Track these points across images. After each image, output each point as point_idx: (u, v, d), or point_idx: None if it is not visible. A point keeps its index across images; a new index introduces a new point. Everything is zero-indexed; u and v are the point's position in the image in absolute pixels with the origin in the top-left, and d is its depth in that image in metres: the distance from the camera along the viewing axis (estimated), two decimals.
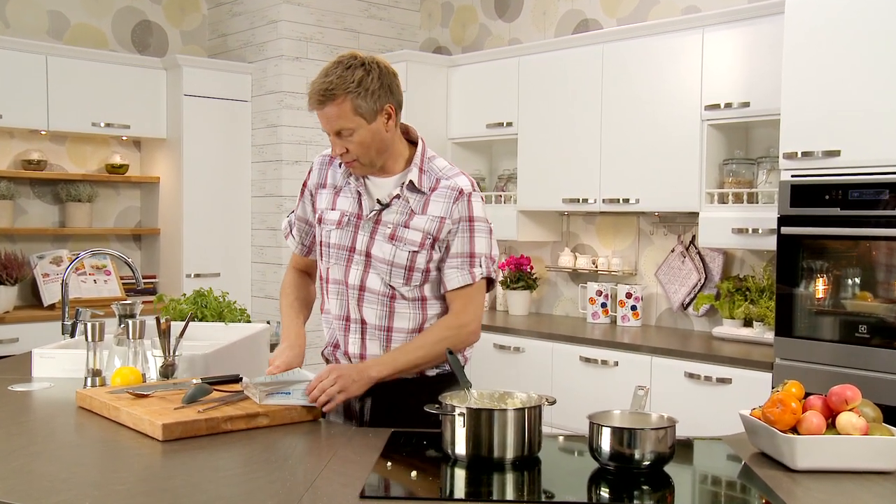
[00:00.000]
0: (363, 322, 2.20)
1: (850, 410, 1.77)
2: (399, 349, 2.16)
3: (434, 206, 2.16)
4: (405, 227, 2.15)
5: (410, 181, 2.17)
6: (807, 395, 1.85)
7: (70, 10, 5.05)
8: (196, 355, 2.44)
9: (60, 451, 1.84)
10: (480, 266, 2.18)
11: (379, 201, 2.18)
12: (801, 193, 3.23)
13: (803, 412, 1.78)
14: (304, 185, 2.34)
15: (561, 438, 2.07)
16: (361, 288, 2.18)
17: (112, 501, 1.50)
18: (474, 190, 2.20)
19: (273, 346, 2.59)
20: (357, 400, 2.19)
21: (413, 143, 2.25)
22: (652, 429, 1.68)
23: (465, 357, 2.26)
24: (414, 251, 2.15)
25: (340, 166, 2.25)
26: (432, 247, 2.16)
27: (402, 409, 2.13)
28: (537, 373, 4.17)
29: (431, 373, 2.22)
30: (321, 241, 2.25)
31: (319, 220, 2.26)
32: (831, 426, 1.77)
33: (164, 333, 2.31)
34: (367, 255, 2.17)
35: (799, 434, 1.74)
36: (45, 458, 1.76)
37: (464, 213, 2.16)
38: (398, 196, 2.17)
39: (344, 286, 2.20)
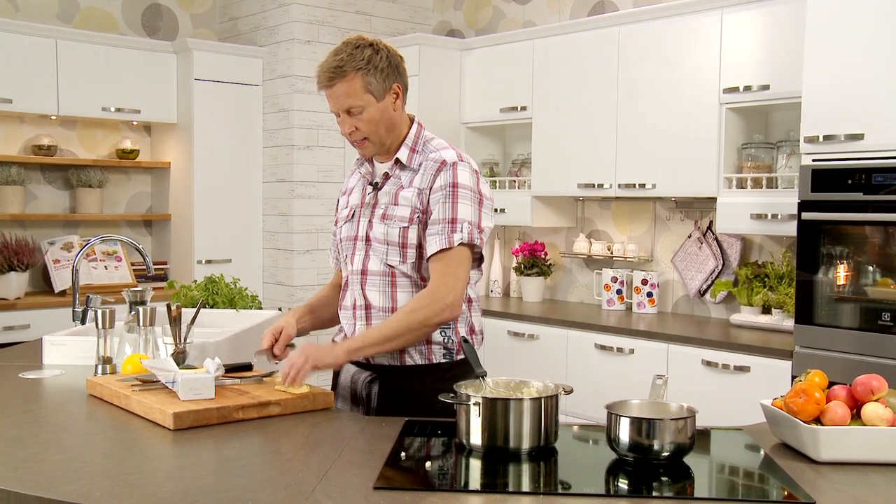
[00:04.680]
0: (368, 306, 2.20)
1: (875, 401, 1.73)
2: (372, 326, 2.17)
3: (418, 179, 2.16)
4: (394, 204, 2.17)
5: (397, 159, 2.19)
6: (830, 384, 1.81)
7: None
8: (207, 342, 2.43)
9: (71, 439, 1.82)
10: (461, 232, 2.10)
11: (371, 183, 2.22)
12: (823, 178, 3.17)
13: (827, 402, 1.74)
14: (338, 201, 2.39)
15: (576, 427, 2.04)
16: (363, 272, 2.19)
17: (123, 491, 1.48)
18: (461, 161, 2.16)
19: None
20: (364, 387, 2.19)
21: None
22: (671, 419, 1.65)
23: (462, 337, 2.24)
24: (404, 227, 2.14)
25: (358, 162, 2.28)
26: (423, 223, 2.14)
27: (409, 396, 2.13)
28: (552, 360, 4.14)
29: (439, 359, 2.18)
30: (338, 240, 2.30)
31: (336, 222, 2.32)
32: (856, 417, 1.73)
33: (175, 320, 2.29)
34: (367, 239, 2.19)
35: (823, 425, 1.70)
36: (56, 446, 1.74)
37: (447, 181, 2.12)
38: (388, 176, 2.20)
39: (352, 274, 2.23)
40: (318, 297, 2.42)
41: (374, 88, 2.10)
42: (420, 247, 2.15)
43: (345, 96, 2.10)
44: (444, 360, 2.19)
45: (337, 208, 2.39)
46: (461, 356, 2.19)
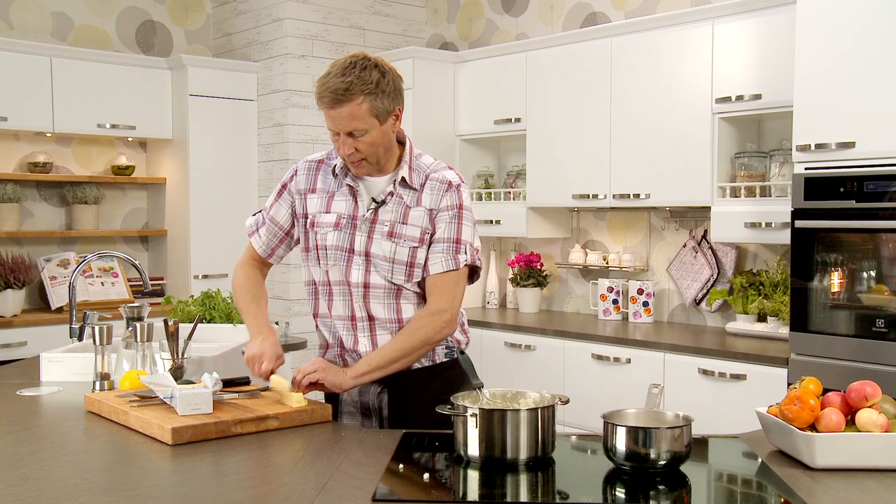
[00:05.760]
0: (371, 318, 2.20)
1: (870, 407, 1.74)
2: (378, 348, 2.18)
3: (425, 199, 2.19)
4: (403, 223, 2.17)
5: (402, 178, 2.19)
6: (825, 391, 1.82)
7: (74, 11, 5.04)
8: (205, 357, 2.43)
9: (70, 456, 1.82)
10: (465, 253, 2.18)
11: (374, 199, 2.20)
12: (816, 186, 3.19)
13: (822, 409, 1.75)
14: (284, 186, 2.31)
15: (574, 438, 2.04)
16: (366, 286, 2.19)
17: None
18: (462, 182, 2.24)
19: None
20: (375, 399, 2.21)
21: (401, 142, 2.26)
22: (668, 428, 1.65)
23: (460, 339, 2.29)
24: (414, 247, 2.16)
25: (334, 171, 2.24)
26: (431, 243, 2.18)
27: (419, 400, 2.15)
28: (549, 371, 4.15)
29: (441, 359, 2.24)
30: (316, 245, 2.24)
31: (312, 225, 2.25)
32: (851, 423, 1.74)
33: (172, 336, 2.29)
34: (367, 254, 2.18)
35: (818, 431, 1.71)
36: (55, 463, 1.74)
37: (453, 202, 2.18)
38: (392, 193, 2.19)
39: (346, 286, 2.20)
40: (261, 302, 2.33)
41: (380, 112, 2.08)
42: (425, 266, 2.18)
43: (349, 119, 2.06)
44: (445, 360, 2.25)
45: (283, 195, 2.29)
46: (459, 353, 2.28)
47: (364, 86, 2.05)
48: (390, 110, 2.11)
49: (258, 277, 2.39)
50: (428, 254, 2.17)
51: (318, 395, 2.25)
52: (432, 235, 2.17)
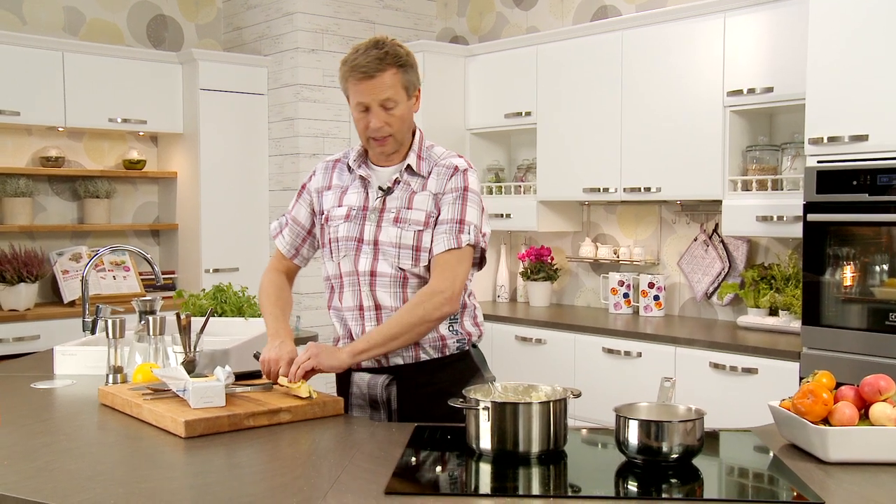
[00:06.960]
0: (378, 307, 2.21)
1: (883, 401, 1.73)
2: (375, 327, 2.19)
3: (432, 184, 2.22)
4: (408, 208, 2.20)
5: (409, 165, 2.22)
6: (838, 385, 1.81)
7: (85, 5, 5.05)
8: (217, 350, 2.44)
9: (84, 448, 1.84)
10: (468, 233, 2.18)
11: (381, 188, 2.23)
12: (828, 179, 3.18)
13: (835, 403, 1.74)
14: (304, 187, 2.38)
15: (585, 431, 2.04)
16: (372, 273, 2.20)
17: (137, 499, 1.49)
18: (469, 167, 2.25)
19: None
20: (383, 391, 2.21)
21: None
22: (680, 421, 1.65)
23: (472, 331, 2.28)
24: (419, 230, 2.18)
25: (349, 168, 2.27)
26: (436, 226, 2.19)
27: (428, 392, 2.17)
28: (560, 364, 4.14)
29: (452, 351, 2.24)
30: (329, 239, 2.27)
31: (326, 220, 2.29)
32: (864, 417, 1.73)
33: (184, 329, 2.30)
34: (375, 243, 2.20)
35: (831, 425, 1.71)
36: (69, 455, 1.75)
37: (458, 184, 2.21)
38: (398, 181, 2.22)
39: (355, 275, 2.22)
40: (282, 305, 2.35)
41: (408, 86, 2.17)
42: (433, 252, 2.19)
43: (382, 89, 2.12)
44: (456, 352, 2.25)
45: (303, 195, 2.35)
46: (470, 346, 2.28)
47: (396, 58, 2.14)
48: (416, 85, 2.20)
49: (283, 282, 2.43)
50: (434, 234, 2.19)
51: (331, 389, 2.26)
52: (437, 220, 2.19)
